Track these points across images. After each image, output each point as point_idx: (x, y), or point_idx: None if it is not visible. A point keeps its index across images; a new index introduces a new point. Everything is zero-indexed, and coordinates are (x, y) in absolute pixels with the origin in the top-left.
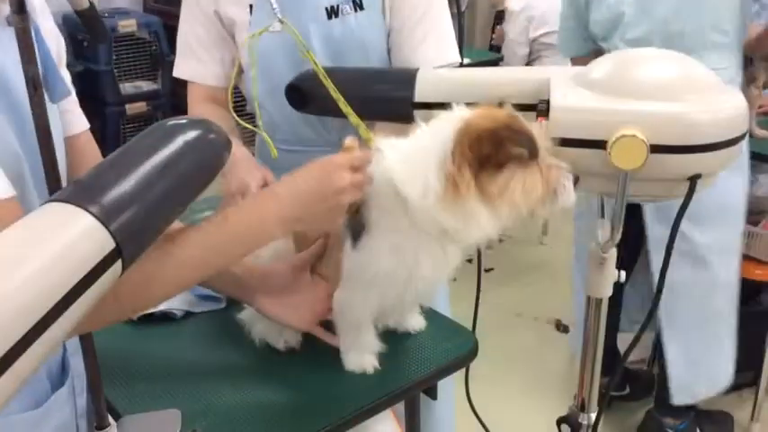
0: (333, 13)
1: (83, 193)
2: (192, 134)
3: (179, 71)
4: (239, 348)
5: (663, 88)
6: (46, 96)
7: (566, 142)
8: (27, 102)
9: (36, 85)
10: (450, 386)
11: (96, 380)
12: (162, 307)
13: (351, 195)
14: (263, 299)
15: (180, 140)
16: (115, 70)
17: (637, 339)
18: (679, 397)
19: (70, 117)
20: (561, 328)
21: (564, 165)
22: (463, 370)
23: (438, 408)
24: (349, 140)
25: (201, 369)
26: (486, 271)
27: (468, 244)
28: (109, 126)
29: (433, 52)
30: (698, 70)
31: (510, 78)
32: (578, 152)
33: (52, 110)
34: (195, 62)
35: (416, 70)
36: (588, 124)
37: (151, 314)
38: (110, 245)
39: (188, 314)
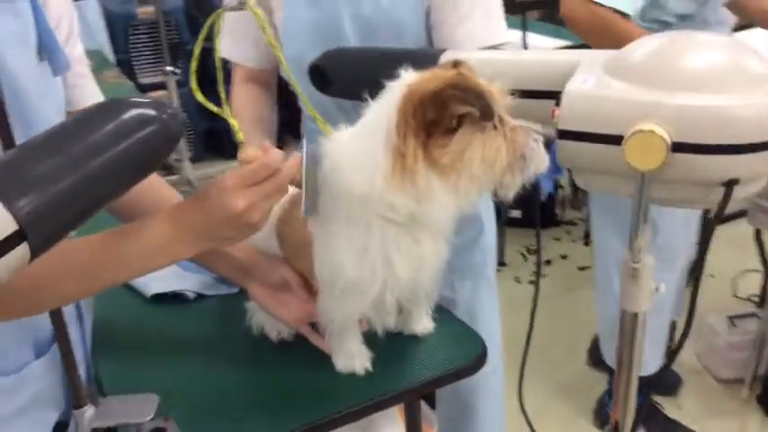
0: None
1: None
2: (133, 116)
3: (223, 51)
4: (240, 336)
5: (700, 78)
6: (48, 69)
7: (578, 136)
8: (11, 58)
9: None
10: (498, 396)
11: (70, 361)
12: (175, 287)
13: (258, 210)
14: (259, 288)
15: (118, 122)
16: (133, 59)
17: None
18: None
19: (80, 91)
20: None
21: (532, 125)
22: (516, 376)
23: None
24: (244, 154)
25: (196, 354)
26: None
27: (438, 227)
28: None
29: (476, 32)
30: (750, 60)
31: (537, 61)
32: (592, 148)
33: (54, 82)
34: (231, 42)
35: (442, 51)
36: (602, 116)
37: (165, 294)
38: (11, 226)
39: (200, 296)
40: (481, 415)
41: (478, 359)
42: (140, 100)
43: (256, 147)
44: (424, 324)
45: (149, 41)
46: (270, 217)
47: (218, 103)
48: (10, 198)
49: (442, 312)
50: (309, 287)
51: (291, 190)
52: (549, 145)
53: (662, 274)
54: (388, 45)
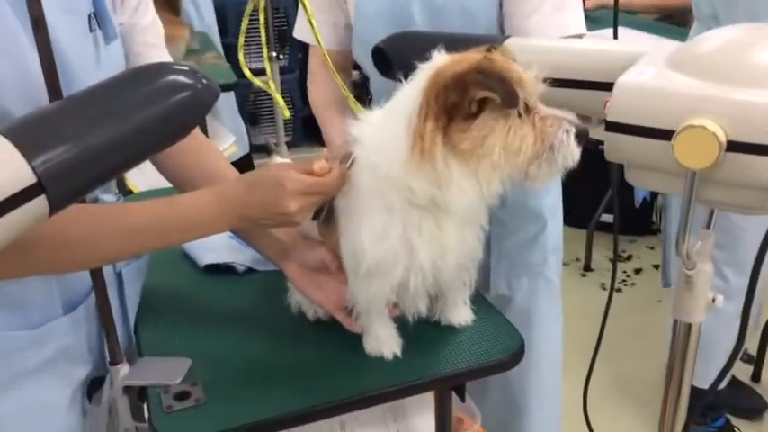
0: None
1: (17, 126)
2: (166, 82)
3: (297, 32)
4: (280, 312)
5: (755, 74)
6: (102, 37)
7: (626, 129)
8: (57, 29)
9: (39, 25)
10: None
11: (108, 320)
12: (227, 259)
13: (305, 214)
14: (296, 269)
15: (150, 87)
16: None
17: (728, 368)
18: None
19: (144, 60)
20: None
21: (567, 115)
22: (583, 379)
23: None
24: (317, 166)
25: (236, 325)
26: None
27: (463, 214)
28: (236, 99)
29: (548, 21)
30: None
31: (598, 51)
32: (642, 142)
33: (108, 50)
34: (306, 24)
35: (505, 38)
36: (653, 109)
37: (217, 265)
38: (29, 179)
39: (250, 270)
40: (535, 420)
41: (515, 355)
42: (178, 67)
43: (324, 160)
44: (462, 315)
45: (259, 27)
46: None
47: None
48: (31, 152)
49: (481, 304)
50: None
51: None
52: (582, 137)
53: (739, 291)
54: (458, 30)
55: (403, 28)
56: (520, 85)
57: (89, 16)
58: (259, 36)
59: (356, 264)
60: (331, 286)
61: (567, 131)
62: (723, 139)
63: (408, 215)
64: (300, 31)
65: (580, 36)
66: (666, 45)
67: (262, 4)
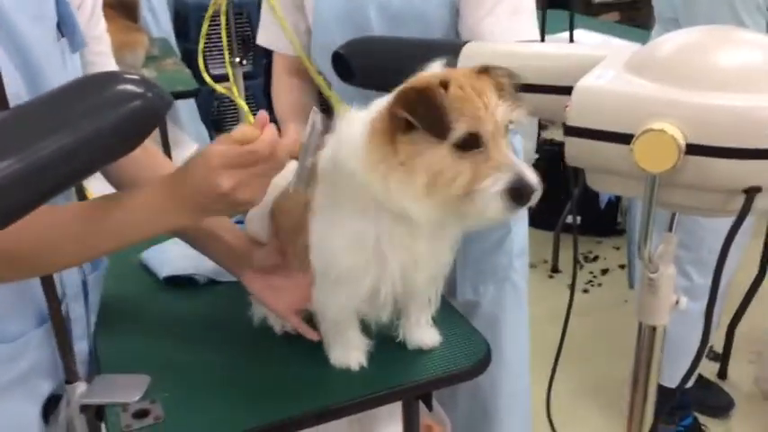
0: None
1: None
2: (116, 91)
3: (259, 38)
4: (243, 324)
5: (726, 76)
6: (67, 46)
7: (586, 133)
8: (29, 37)
9: None
10: (522, 403)
11: (62, 336)
12: (188, 271)
13: (248, 189)
14: (251, 275)
15: (100, 96)
16: (205, 49)
17: (694, 368)
18: None
19: (97, 68)
20: None
21: (516, 167)
22: (545, 385)
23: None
24: (238, 133)
25: (197, 339)
26: None
27: (429, 226)
28: (199, 105)
29: (501, 26)
30: None
31: (559, 56)
32: (602, 146)
33: (72, 59)
34: (271, 30)
35: (464, 43)
36: (612, 113)
37: (177, 276)
38: None
39: (212, 282)
40: (505, 424)
41: (481, 363)
42: (127, 76)
43: (253, 125)
44: (428, 336)
45: (220, 33)
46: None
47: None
48: None
49: (446, 311)
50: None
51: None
52: (517, 197)
53: (704, 290)
54: (415, 36)
55: (360, 33)
56: (467, 118)
57: (56, 25)
58: (221, 42)
59: (326, 269)
60: (288, 289)
61: (497, 184)
62: (682, 143)
63: (381, 222)
64: (264, 37)
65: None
66: (625, 48)
67: (223, 8)
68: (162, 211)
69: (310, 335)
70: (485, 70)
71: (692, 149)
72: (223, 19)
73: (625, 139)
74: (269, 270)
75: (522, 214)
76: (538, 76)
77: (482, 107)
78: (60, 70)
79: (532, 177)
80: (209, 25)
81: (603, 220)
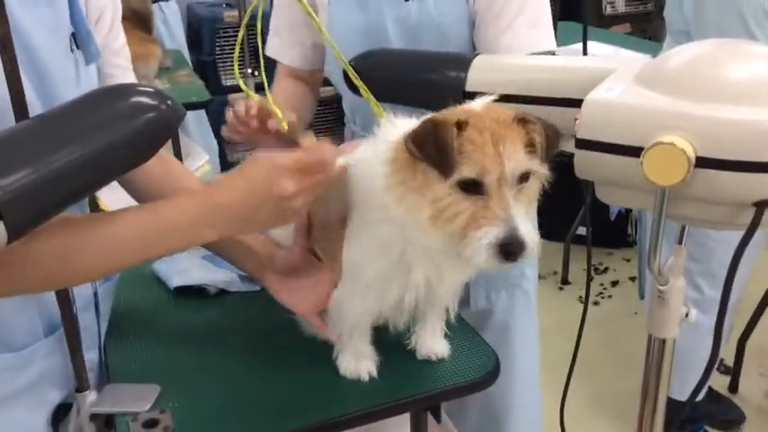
0: None
1: None
2: (130, 103)
3: (267, 49)
4: (254, 335)
5: (737, 90)
6: (82, 57)
7: (596, 146)
8: (42, 48)
9: (5, 46)
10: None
11: (75, 345)
12: (199, 282)
13: (302, 200)
14: (271, 276)
15: (114, 108)
16: (218, 61)
17: (704, 381)
18: None
19: (115, 81)
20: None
21: (512, 221)
22: (560, 393)
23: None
24: (307, 140)
25: (207, 349)
26: None
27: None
28: (211, 117)
29: (519, 40)
30: None
31: (569, 68)
32: (612, 159)
33: (87, 71)
34: (279, 41)
35: (475, 55)
36: (622, 126)
37: (188, 287)
38: None
39: (222, 292)
40: (513, 430)
41: (490, 374)
42: (142, 88)
43: (309, 137)
44: (439, 347)
45: (234, 45)
46: None
47: None
48: None
49: (456, 323)
50: (326, 272)
51: None
52: (506, 252)
53: (714, 303)
54: (431, 48)
55: (378, 46)
56: (472, 162)
57: (70, 37)
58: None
59: (357, 273)
60: (306, 290)
61: (488, 237)
62: (692, 156)
63: (408, 230)
64: (272, 49)
65: (551, 53)
66: (635, 60)
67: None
68: (196, 222)
69: (327, 334)
70: (521, 120)
71: (702, 162)
72: (259, 25)
73: (635, 152)
74: (290, 272)
75: (534, 222)
76: (548, 89)
77: (491, 155)
78: (74, 82)
79: (526, 235)
80: (219, 37)
81: (614, 231)
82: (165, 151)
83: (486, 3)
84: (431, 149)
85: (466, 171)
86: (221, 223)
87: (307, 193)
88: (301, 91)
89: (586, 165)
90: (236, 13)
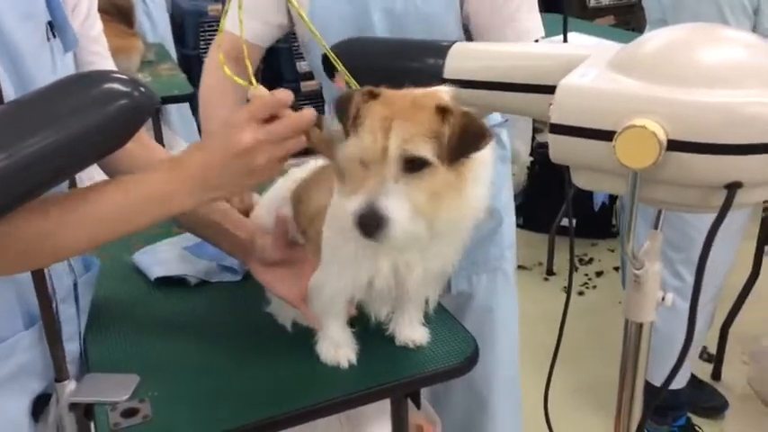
0: None
1: None
2: (103, 90)
3: (227, 24)
4: (234, 324)
5: (709, 74)
6: (59, 46)
7: (570, 131)
8: (16, 35)
9: None
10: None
11: (53, 335)
12: (179, 272)
13: (264, 153)
14: (257, 265)
15: (87, 95)
16: (202, 55)
17: (677, 369)
18: None
19: (94, 68)
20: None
21: (375, 191)
22: (540, 386)
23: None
24: (253, 90)
25: (187, 338)
26: None
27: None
28: (195, 110)
29: (523, 28)
30: None
31: (546, 55)
32: (585, 144)
33: (64, 59)
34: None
35: (452, 43)
36: (594, 111)
37: (169, 277)
38: None
39: (203, 282)
40: (498, 411)
41: (469, 360)
42: (115, 75)
43: (257, 87)
44: (417, 334)
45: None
46: (285, 191)
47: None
48: None
49: (435, 309)
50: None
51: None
52: (361, 225)
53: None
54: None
55: (363, 34)
56: (360, 134)
57: (46, 24)
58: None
59: (332, 255)
60: (291, 278)
61: (352, 205)
62: (663, 139)
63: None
64: (233, 23)
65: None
66: (610, 47)
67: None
68: (170, 190)
69: (314, 323)
70: (441, 108)
71: (674, 146)
72: (240, 15)
73: (607, 136)
74: (273, 262)
75: (511, 206)
76: (524, 76)
77: (380, 130)
78: (50, 70)
79: (389, 211)
80: (204, 31)
81: (598, 222)
82: (149, 138)
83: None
84: (338, 109)
85: (352, 140)
86: (193, 190)
87: (268, 145)
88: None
89: (561, 149)
90: (219, 6)
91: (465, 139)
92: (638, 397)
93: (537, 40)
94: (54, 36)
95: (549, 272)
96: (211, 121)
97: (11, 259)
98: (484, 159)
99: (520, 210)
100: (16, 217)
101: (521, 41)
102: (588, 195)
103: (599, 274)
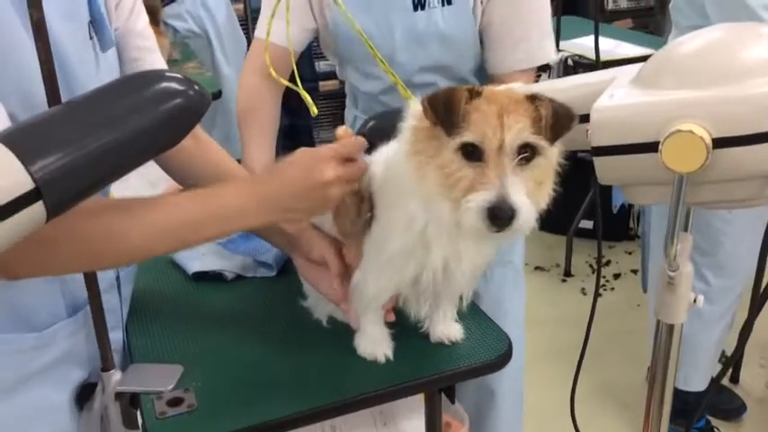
0: (419, 5)
1: (15, 133)
2: (159, 89)
3: (260, 32)
4: (271, 318)
5: (739, 68)
6: (98, 45)
7: (612, 150)
8: (60, 34)
9: (40, 31)
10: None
11: (101, 325)
12: (216, 267)
13: (339, 188)
14: (301, 261)
15: (144, 93)
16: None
17: (720, 378)
18: None
19: (141, 64)
20: None
21: (502, 184)
22: (566, 384)
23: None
24: (341, 130)
25: (226, 331)
26: None
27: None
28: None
29: (533, 52)
30: None
31: (573, 86)
32: (629, 160)
33: (105, 57)
34: (278, 23)
35: None
36: (633, 125)
37: (206, 272)
38: (27, 185)
39: (239, 277)
40: (504, 399)
41: (503, 357)
42: (170, 74)
43: (344, 128)
44: (453, 331)
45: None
46: None
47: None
48: (29, 158)
49: (470, 306)
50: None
51: None
52: (494, 218)
53: (720, 293)
54: (438, 59)
55: (383, 52)
56: (473, 127)
57: (88, 24)
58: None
59: (380, 248)
60: (329, 282)
61: (478, 200)
62: (708, 139)
63: (432, 209)
64: (262, 29)
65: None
66: (631, 68)
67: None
68: (244, 209)
69: (353, 321)
70: (531, 97)
71: (720, 143)
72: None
73: (651, 147)
74: (316, 260)
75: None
76: None
77: (493, 123)
78: (93, 68)
79: (518, 202)
80: None
81: (616, 224)
82: (202, 131)
83: (499, 17)
84: (440, 108)
85: (467, 135)
86: (267, 211)
87: (344, 182)
88: (274, 91)
89: (607, 170)
90: (240, 6)
91: (558, 120)
92: (668, 398)
93: (548, 64)
94: (95, 34)
95: (567, 273)
96: (253, 127)
97: (80, 254)
98: (555, 161)
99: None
100: (91, 214)
101: (528, 66)
102: (607, 197)
103: (617, 276)
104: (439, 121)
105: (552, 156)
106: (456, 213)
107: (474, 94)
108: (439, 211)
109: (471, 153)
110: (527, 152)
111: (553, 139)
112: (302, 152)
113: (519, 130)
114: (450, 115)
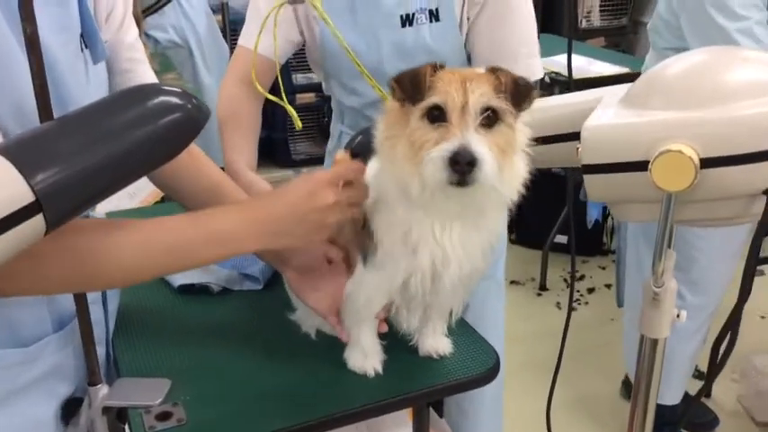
0: (407, 21)
1: (15, 145)
2: (158, 102)
3: (244, 40)
4: (258, 331)
5: (728, 90)
6: (90, 57)
7: (602, 168)
8: (52, 47)
9: (33, 44)
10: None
11: (88, 339)
12: (202, 280)
13: (338, 213)
14: (292, 275)
15: (142, 107)
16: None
17: (704, 389)
18: None
19: (132, 75)
20: None
21: (463, 136)
22: (541, 397)
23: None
24: (340, 154)
25: (213, 345)
26: None
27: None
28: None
29: (519, 69)
30: None
31: (562, 105)
32: (618, 178)
33: (96, 69)
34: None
35: None
36: (623, 144)
37: (192, 285)
38: (28, 197)
39: (225, 290)
40: (483, 412)
41: (491, 371)
42: (168, 88)
43: (342, 152)
44: (441, 345)
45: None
46: None
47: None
48: (30, 171)
49: (456, 323)
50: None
51: None
52: (458, 163)
53: (695, 310)
54: None
55: (371, 66)
56: (438, 92)
57: (80, 36)
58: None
59: (372, 250)
60: (325, 289)
61: (440, 151)
62: (697, 159)
63: (413, 212)
64: (247, 37)
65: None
66: (620, 87)
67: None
68: (240, 234)
69: (344, 336)
70: (492, 69)
71: (707, 163)
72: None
73: (640, 166)
74: (309, 268)
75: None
76: (544, 128)
77: (456, 86)
78: (84, 81)
79: (479, 151)
80: None
81: (590, 239)
82: (194, 145)
83: (486, 34)
84: (407, 83)
85: (432, 98)
86: (263, 236)
87: (343, 207)
88: (254, 102)
89: (597, 187)
90: (219, 17)
91: (519, 88)
92: (651, 411)
93: (539, 80)
94: (86, 47)
95: (543, 287)
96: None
97: (72, 272)
98: (520, 138)
99: (512, 225)
100: (83, 231)
101: None
102: (581, 213)
103: (591, 290)
104: (406, 95)
105: (516, 129)
106: (419, 170)
107: (438, 68)
108: (406, 177)
109: (437, 117)
110: (490, 114)
111: (514, 105)
112: (302, 177)
113: (481, 93)
114: (417, 87)
